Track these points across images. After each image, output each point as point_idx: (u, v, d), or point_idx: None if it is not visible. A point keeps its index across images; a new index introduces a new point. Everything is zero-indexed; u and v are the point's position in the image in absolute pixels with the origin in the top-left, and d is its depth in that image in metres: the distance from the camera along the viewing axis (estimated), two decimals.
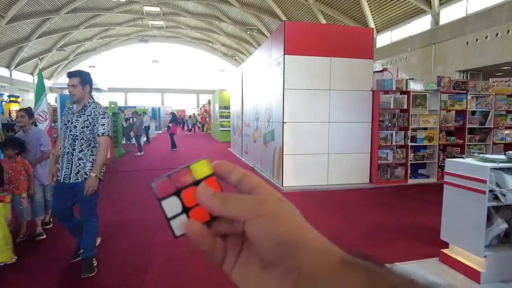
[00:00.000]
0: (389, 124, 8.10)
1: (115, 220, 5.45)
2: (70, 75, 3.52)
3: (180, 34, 45.19)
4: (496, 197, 3.20)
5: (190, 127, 33.25)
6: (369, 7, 21.94)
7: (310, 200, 6.91)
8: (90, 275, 3.46)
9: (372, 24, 22.34)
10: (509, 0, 14.77)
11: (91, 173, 3.42)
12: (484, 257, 3.22)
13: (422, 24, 20.22)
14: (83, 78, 3.52)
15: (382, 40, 23.14)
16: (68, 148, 3.46)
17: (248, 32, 34.26)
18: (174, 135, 16.47)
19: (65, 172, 3.46)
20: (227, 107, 19.29)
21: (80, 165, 3.46)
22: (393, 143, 8.10)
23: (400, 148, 8.25)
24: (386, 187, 7.94)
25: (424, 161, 8.50)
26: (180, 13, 35.31)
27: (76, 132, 3.44)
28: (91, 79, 3.63)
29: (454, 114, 8.83)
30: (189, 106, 50.45)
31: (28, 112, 4.81)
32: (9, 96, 25.85)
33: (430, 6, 19.11)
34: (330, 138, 7.91)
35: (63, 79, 42.27)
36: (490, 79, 9.17)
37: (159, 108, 35.29)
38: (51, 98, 22.83)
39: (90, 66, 43.72)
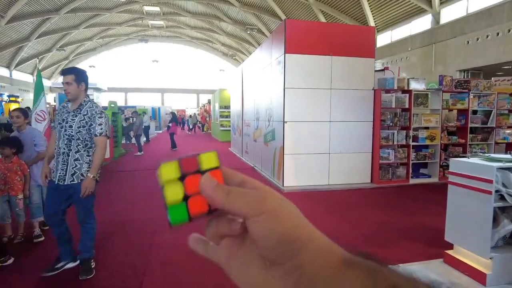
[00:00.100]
0: (391, 124, 8.04)
1: (115, 220, 5.40)
2: (65, 72, 3.40)
3: (180, 33, 45.19)
4: (502, 198, 3.13)
5: (191, 127, 33.21)
6: (370, 6, 21.91)
7: (311, 200, 6.85)
8: (88, 277, 3.40)
9: (372, 24, 22.30)
10: None
11: (88, 174, 3.33)
12: (490, 258, 3.15)
13: (422, 23, 20.19)
14: (78, 76, 3.40)
15: (383, 39, 23.10)
16: (64, 149, 3.33)
17: (248, 32, 34.20)
18: (174, 135, 16.41)
19: (60, 173, 3.33)
20: (227, 107, 19.22)
21: (76, 166, 3.34)
22: (395, 143, 8.04)
23: (401, 148, 8.18)
24: (387, 187, 7.88)
25: (426, 161, 8.43)
26: (180, 12, 35.30)
27: (72, 132, 3.31)
28: (87, 76, 3.51)
29: (456, 113, 8.77)
30: (189, 106, 50.47)
31: (23, 112, 4.72)
32: (9, 96, 25.79)
33: (430, 5, 19.08)
34: (331, 137, 7.85)
35: (62, 79, 42.37)
36: (492, 78, 9.10)
37: (159, 108, 35.20)
38: (52, 98, 22.77)
39: (90, 66, 43.72)
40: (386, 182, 8.04)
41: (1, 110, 22.82)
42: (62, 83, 3.37)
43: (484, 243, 3.17)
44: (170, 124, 16.98)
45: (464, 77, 16.62)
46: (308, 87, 7.69)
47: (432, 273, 3.43)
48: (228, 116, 19.51)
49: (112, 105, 13.33)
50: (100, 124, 3.39)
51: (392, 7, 21.28)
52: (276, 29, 8.73)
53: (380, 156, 7.97)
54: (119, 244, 4.42)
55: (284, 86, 7.56)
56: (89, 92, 11.47)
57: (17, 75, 34.96)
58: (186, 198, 0.39)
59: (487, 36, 15.75)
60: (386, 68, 9.12)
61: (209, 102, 29.59)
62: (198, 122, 34.63)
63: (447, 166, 8.42)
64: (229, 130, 18.38)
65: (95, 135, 3.38)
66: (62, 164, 3.33)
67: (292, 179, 7.76)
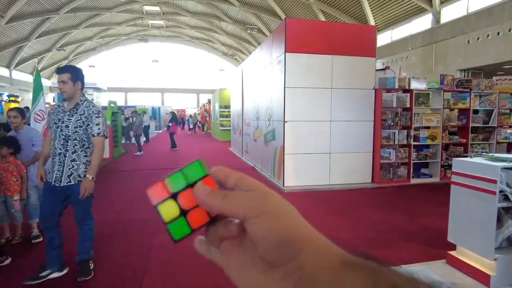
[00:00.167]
0: (392, 123, 8.00)
1: (114, 220, 5.36)
2: (60, 70, 3.29)
3: (180, 33, 45.17)
4: (506, 198, 3.09)
5: (191, 127, 33.22)
6: (370, 5, 21.88)
7: (312, 200, 6.80)
8: (86, 278, 3.36)
9: (372, 23, 22.27)
10: None
11: (87, 175, 3.27)
12: (494, 260, 3.11)
13: (423, 23, 20.18)
14: (74, 74, 3.30)
15: (383, 39, 23.06)
16: (60, 149, 3.25)
17: (248, 32, 34.18)
18: (174, 134, 16.38)
19: (56, 174, 3.24)
20: (227, 107, 19.18)
21: (73, 166, 3.26)
22: (396, 142, 7.99)
23: (402, 147, 8.14)
24: (388, 187, 7.84)
25: (427, 161, 8.39)
26: (180, 12, 35.27)
27: (69, 132, 3.23)
28: (83, 75, 3.41)
29: (456, 113, 8.74)
30: (189, 106, 50.51)
31: (20, 111, 4.64)
32: (8, 96, 25.77)
33: (431, 4, 19.05)
34: (331, 137, 7.81)
35: None
36: (494, 77, 9.06)
37: (159, 108, 35.18)
38: (51, 98, 22.73)
39: (90, 66, 43.74)
40: (387, 182, 8.00)
41: (0, 110, 22.77)
42: (57, 81, 3.29)
43: (488, 244, 3.12)
44: (170, 124, 16.95)
45: (464, 76, 16.59)
46: (309, 86, 7.64)
47: (434, 274, 3.38)
48: (228, 116, 19.49)
49: (112, 105, 13.29)
50: (97, 124, 3.32)
51: (393, 6, 21.25)
52: (276, 28, 8.68)
53: (381, 155, 7.93)
54: (118, 245, 4.37)
55: (284, 85, 7.52)
56: (89, 92, 11.33)
57: (17, 75, 34.94)
58: (184, 212, 0.39)
59: (488, 36, 15.72)
60: (387, 68, 9.08)
61: (209, 101, 29.55)
62: (198, 122, 34.62)
63: (449, 165, 8.49)
64: (229, 129, 18.35)
65: (93, 135, 3.31)
66: (59, 165, 3.25)
67: (293, 179, 7.72)
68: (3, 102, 24.31)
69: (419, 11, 20.12)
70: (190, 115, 37.56)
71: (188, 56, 50.35)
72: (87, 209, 3.45)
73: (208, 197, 0.37)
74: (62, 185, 3.24)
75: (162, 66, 49.32)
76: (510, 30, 14.61)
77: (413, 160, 8.13)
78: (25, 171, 4.32)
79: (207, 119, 31.03)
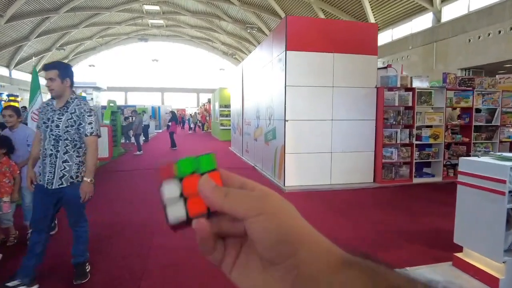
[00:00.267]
0: (394, 122, 7.91)
1: (112, 221, 5.26)
2: (47, 67, 3.11)
3: (180, 33, 45.11)
4: None
5: (192, 126, 33.18)
6: (370, 4, 21.81)
7: (313, 200, 6.71)
8: (82, 281, 3.26)
9: (373, 22, 22.15)
10: None
11: (85, 178, 3.14)
12: (503, 262, 3.01)
13: (423, 21, 20.13)
14: (62, 71, 3.13)
15: (383, 38, 22.97)
16: (51, 150, 3.09)
17: (248, 31, 34.11)
18: (174, 134, 16.31)
19: (48, 176, 3.08)
20: (228, 106, 19.13)
21: (65, 168, 3.11)
22: (398, 141, 7.91)
23: (404, 147, 8.05)
24: (390, 187, 7.75)
25: (429, 160, 8.30)
26: (180, 11, 35.21)
27: (59, 132, 3.07)
28: (72, 71, 3.24)
29: (458, 111, 8.66)
30: (189, 105, 50.50)
31: (16, 110, 4.52)
32: (8, 96, 25.69)
33: (431, 3, 18.99)
34: (333, 136, 7.72)
35: None
36: (497, 76, 8.97)
37: (159, 107, 35.11)
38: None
39: (90, 65, 43.76)
40: (389, 182, 7.92)
41: (0, 110, 22.68)
42: (45, 79, 3.12)
43: (496, 246, 3.02)
44: (170, 123, 16.89)
45: (466, 75, 16.51)
46: (310, 85, 7.55)
47: (440, 277, 3.29)
48: (228, 115, 19.44)
49: (111, 104, 13.21)
50: (90, 123, 3.17)
51: (393, 5, 21.19)
52: (277, 26, 8.60)
53: (383, 155, 7.84)
54: (116, 246, 4.28)
55: (285, 84, 7.43)
56: (88, 91, 11.21)
57: (17, 74, 34.84)
58: (184, 199, 0.39)
59: (489, 34, 15.67)
60: (389, 66, 9.00)
61: (209, 101, 29.51)
62: (198, 122, 34.59)
63: (451, 165, 8.41)
64: (229, 129, 18.30)
65: (86, 135, 3.16)
66: (50, 166, 3.09)
67: (293, 178, 7.63)
68: (3, 102, 24.21)
69: (420, 10, 20.06)
70: (190, 115, 37.55)
71: (188, 56, 50.30)
72: (81, 211, 3.33)
73: (211, 192, 0.37)
74: (54, 187, 3.10)
75: (162, 65, 49.27)
76: (511, 28, 14.55)
77: (415, 159, 8.04)
78: (18, 172, 4.15)
79: (207, 118, 30.97)
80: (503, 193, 2.95)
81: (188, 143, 19.98)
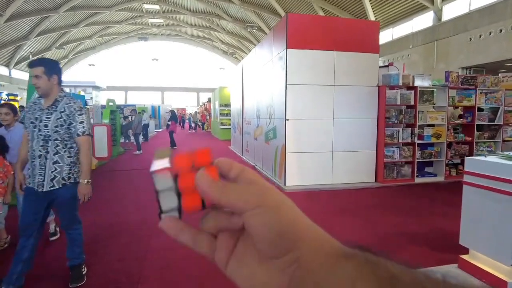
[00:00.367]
0: (396, 121, 7.82)
1: (111, 222, 5.19)
2: (32, 64, 2.96)
3: (180, 32, 45.08)
4: None
5: (193, 125, 33.18)
6: (370, 3, 21.74)
7: (313, 200, 6.63)
8: (78, 284, 3.17)
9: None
10: None
11: (81, 180, 3.04)
12: (511, 265, 2.93)
13: (424, 20, 20.06)
14: (48, 67, 2.96)
15: (384, 37, 22.88)
16: (40, 151, 2.94)
17: (248, 30, 34.01)
18: (174, 133, 16.25)
19: (38, 178, 2.93)
20: (228, 105, 19.10)
21: (55, 169, 2.97)
22: (400, 141, 7.82)
23: (406, 146, 7.96)
24: (392, 186, 7.67)
25: (432, 159, 8.21)
26: (179, 10, 35.16)
27: (48, 131, 2.92)
28: (59, 68, 3.09)
29: (460, 110, 8.58)
30: (189, 104, 50.50)
31: (12, 108, 4.40)
32: (7, 95, 25.64)
33: (432, 2, 18.91)
34: (334, 135, 7.63)
35: (63, 77, 42.38)
36: (500, 74, 8.88)
37: (159, 106, 35.11)
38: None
39: (90, 65, 43.71)
40: (391, 181, 7.83)
41: None
42: (31, 76, 2.99)
43: (504, 248, 2.93)
44: (170, 123, 16.84)
45: (467, 74, 16.45)
46: (311, 83, 7.46)
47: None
48: (228, 114, 19.41)
49: (110, 103, 13.14)
50: (81, 122, 3.04)
51: (394, 4, 21.11)
52: (277, 24, 8.51)
53: (384, 154, 7.76)
54: (113, 248, 4.18)
55: (285, 83, 7.34)
56: (88, 90, 11.11)
57: (16, 73, 34.76)
58: (178, 193, 0.39)
59: (490, 33, 15.61)
60: (390, 64, 8.89)
61: (209, 100, 29.46)
62: (198, 121, 34.58)
63: (453, 164, 8.34)
64: (229, 128, 18.24)
65: (78, 135, 3.03)
66: (40, 168, 2.94)
67: (294, 178, 7.55)
68: (2, 101, 24.17)
69: (421, 9, 19.99)
70: (190, 114, 37.54)
71: (188, 55, 50.31)
72: (74, 213, 3.22)
73: (208, 187, 0.37)
74: (45, 190, 2.96)
75: (162, 64, 49.26)
76: None
77: (417, 158, 7.95)
78: (12, 172, 3.97)
79: (207, 117, 30.94)
80: (511, 194, 2.86)
81: (188, 142, 19.92)
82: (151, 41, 44.73)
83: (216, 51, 49.93)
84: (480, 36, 16.09)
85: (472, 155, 7.84)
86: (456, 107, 8.53)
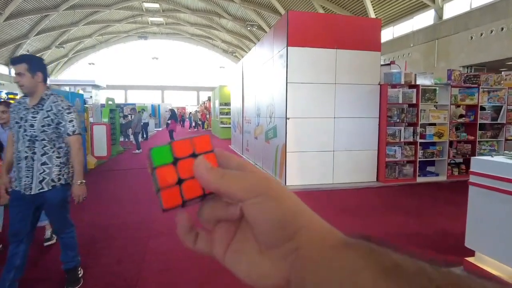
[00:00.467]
0: (397, 120, 7.74)
1: (109, 222, 5.11)
2: (14, 61, 2.79)
3: (180, 30, 45.05)
4: None
5: (193, 124, 33.18)
6: (371, 1, 21.62)
7: (314, 200, 6.54)
8: None
9: None
10: None
11: (75, 181, 2.92)
12: None
13: (425, 19, 20.00)
14: (32, 64, 2.80)
15: (384, 35, 22.76)
16: (26, 152, 2.78)
17: (249, 28, 33.97)
18: (174, 132, 16.19)
19: (25, 181, 2.77)
20: (228, 104, 19.04)
21: (44, 171, 2.81)
22: (401, 140, 7.74)
23: (408, 145, 7.88)
24: (394, 186, 7.59)
25: (434, 159, 8.12)
26: (179, 9, 35.11)
27: (35, 132, 2.77)
28: (44, 65, 2.94)
29: (460, 110, 8.50)
30: (190, 103, 50.47)
31: (9, 105, 4.34)
32: (7, 94, 25.56)
33: (433, 0, 18.82)
34: (335, 134, 7.55)
35: (62, 76, 42.09)
36: (503, 72, 8.80)
37: (159, 105, 35.04)
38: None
39: (90, 64, 43.67)
40: (393, 181, 7.76)
41: None
42: (15, 74, 2.82)
43: (511, 251, 2.86)
44: (169, 122, 16.78)
45: (467, 72, 16.39)
46: (312, 81, 7.38)
47: None
48: (228, 113, 19.36)
49: (110, 102, 13.07)
50: (71, 121, 2.89)
51: (394, 2, 21.03)
52: (278, 22, 8.43)
53: (386, 153, 7.68)
54: (111, 250, 4.10)
55: (286, 81, 7.26)
56: (87, 89, 11.00)
57: None
58: (179, 182, 0.38)
59: (491, 31, 15.54)
60: (392, 62, 8.82)
61: (209, 99, 29.42)
62: (198, 120, 34.55)
63: (455, 164, 8.26)
64: (230, 127, 18.18)
65: (68, 134, 2.89)
66: (26, 170, 2.78)
67: (295, 177, 7.48)
68: (2, 100, 24.09)
69: (421, 7, 19.91)
70: (191, 112, 37.52)
71: (188, 54, 50.32)
72: (65, 216, 3.08)
73: (207, 173, 0.36)
74: (33, 193, 2.80)
75: (162, 63, 49.28)
76: None
77: (419, 158, 7.88)
78: None
79: (207, 116, 30.90)
80: None
81: None
82: (151, 39, 44.66)
83: (216, 50, 49.91)
84: (481, 34, 16.02)
85: (474, 154, 7.78)
86: (458, 106, 8.45)
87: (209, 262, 3.45)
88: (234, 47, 45.46)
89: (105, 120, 12.05)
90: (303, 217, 0.35)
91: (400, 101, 7.65)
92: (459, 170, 8.19)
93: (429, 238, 4.49)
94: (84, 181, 2.98)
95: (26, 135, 2.78)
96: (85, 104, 10.47)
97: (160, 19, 40.11)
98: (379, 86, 7.69)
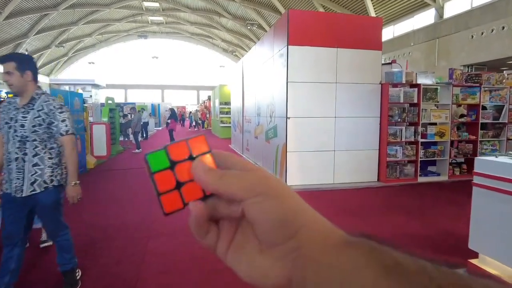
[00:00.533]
0: (399, 119, 7.70)
1: (108, 223, 5.07)
2: (2, 60, 2.71)
3: (180, 29, 44.99)
4: None
5: (194, 124, 33.16)
6: (371, 0, 21.56)
7: (315, 200, 6.49)
8: None
9: None
10: None
11: (69, 182, 2.85)
12: None
13: (425, 18, 19.94)
14: (21, 63, 2.71)
15: (384, 34, 22.65)
16: (16, 153, 2.70)
17: (249, 27, 33.89)
18: (174, 131, 16.15)
19: (15, 183, 2.70)
20: (228, 103, 19.01)
21: (36, 172, 2.73)
22: (403, 139, 7.70)
23: (409, 145, 7.84)
24: (395, 186, 7.55)
25: (435, 158, 8.08)
26: (179, 8, 35.03)
27: (25, 132, 2.69)
28: (34, 63, 2.84)
29: (462, 110, 8.46)
30: (190, 103, 50.46)
31: None
32: (7, 93, 25.53)
33: None
34: (336, 134, 7.51)
35: (62, 75, 42.02)
36: (505, 72, 8.76)
37: (158, 105, 35.03)
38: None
39: (90, 63, 43.63)
40: (394, 181, 7.72)
41: None
42: (3, 72, 2.72)
43: None
44: (169, 121, 16.75)
45: (468, 72, 16.35)
46: (312, 80, 7.34)
47: None
48: (228, 113, 19.33)
49: (110, 101, 13.04)
50: (63, 121, 2.81)
51: (394, 1, 20.96)
52: (278, 21, 8.38)
53: (387, 153, 7.64)
54: (110, 251, 4.06)
55: (287, 80, 7.22)
56: (87, 88, 10.95)
57: None
58: (178, 185, 0.38)
59: (492, 30, 15.49)
60: (393, 61, 8.78)
61: (209, 98, 29.39)
62: (199, 119, 34.54)
63: (457, 163, 8.21)
64: (230, 126, 18.16)
65: (61, 134, 2.81)
66: (17, 172, 2.71)
67: (295, 177, 7.44)
68: (2, 99, 24.08)
69: (422, 6, 19.85)
70: (191, 112, 37.50)
71: (188, 53, 50.25)
72: (57, 219, 2.99)
73: (205, 175, 0.36)
74: (24, 195, 2.72)
75: (162, 62, 49.23)
76: None
77: (420, 157, 7.84)
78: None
79: (207, 116, 30.87)
80: None
81: None
82: (151, 39, 44.61)
83: (216, 49, 49.85)
84: (482, 33, 15.97)
85: (476, 154, 7.74)
86: (460, 105, 8.40)
87: (209, 263, 3.41)
88: (234, 46, 45.40)
89: (105, 119, 12.02)
90: (304, 216, 0.34)
91: (401, 101, 7.61)
92: (460, 170, 8.15)
93: (431, 239, 4.45)
94: (78, 182, 2.90)
95: (17, 135, 2.70)
96: (85, 103, 10.44)
97: (160, 18, 40.03)
98: (380, 85, 7.65)
